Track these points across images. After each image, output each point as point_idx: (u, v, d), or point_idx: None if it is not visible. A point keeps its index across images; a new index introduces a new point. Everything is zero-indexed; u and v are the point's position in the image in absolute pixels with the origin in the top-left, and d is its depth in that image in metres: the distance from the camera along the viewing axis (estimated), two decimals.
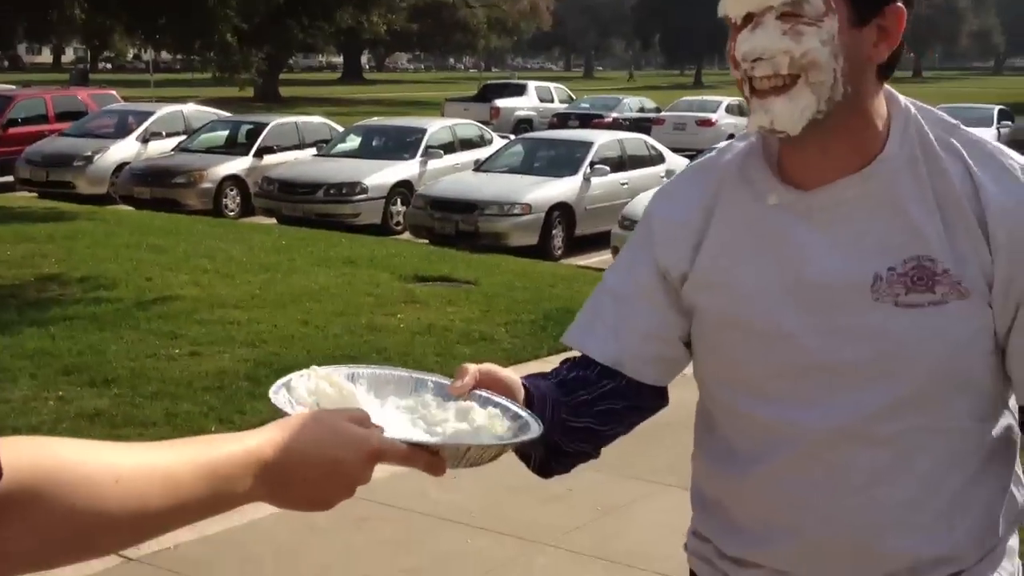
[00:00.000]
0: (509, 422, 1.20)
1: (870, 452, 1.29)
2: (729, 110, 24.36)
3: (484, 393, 1.25)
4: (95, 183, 15.50)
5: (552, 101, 29.32)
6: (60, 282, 8.07)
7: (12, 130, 17.22)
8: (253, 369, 5.90)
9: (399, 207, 13.63)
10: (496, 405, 1.22)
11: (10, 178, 16.19)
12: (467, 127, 16.43)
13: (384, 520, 4.08)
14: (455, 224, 11.80)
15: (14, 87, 22.73)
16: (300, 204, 13.39)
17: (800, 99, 1.24)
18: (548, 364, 6.27)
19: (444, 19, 50.83)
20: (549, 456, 1.40)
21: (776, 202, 1.32)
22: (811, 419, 1.29)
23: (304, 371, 1.16)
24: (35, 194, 15.48)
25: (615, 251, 10.78)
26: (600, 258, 11.29)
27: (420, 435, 1.13)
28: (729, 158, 1.40)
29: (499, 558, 3.85)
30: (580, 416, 1.39)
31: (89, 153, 15.73)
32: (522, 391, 1.32)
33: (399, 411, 1.18)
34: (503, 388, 1.28)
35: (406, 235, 12.73)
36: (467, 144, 15.43)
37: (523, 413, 1.23)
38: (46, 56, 77.67)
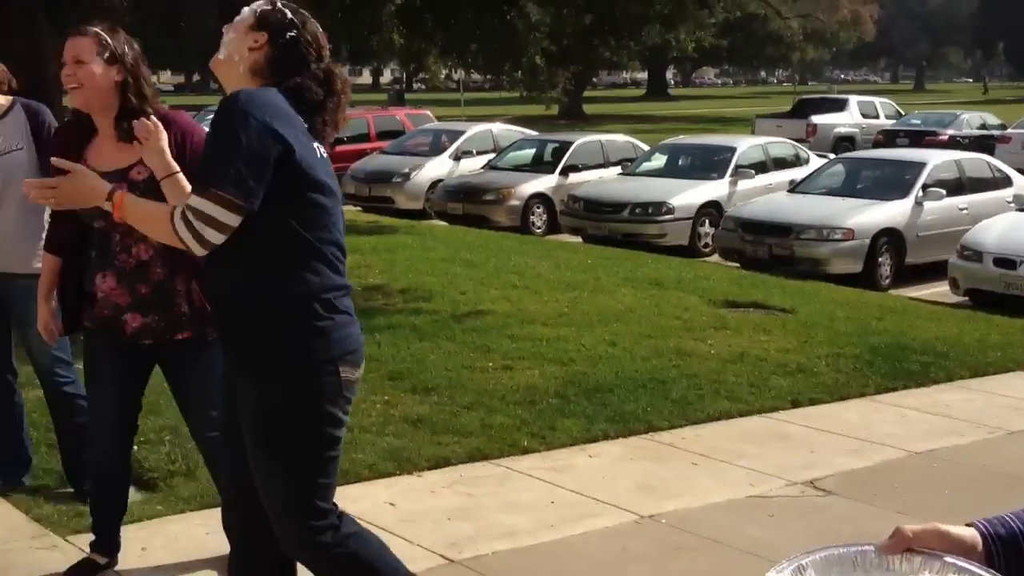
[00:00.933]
0: None
1: None
2: None
3: (929, 551, 1.16)
4: (412, 198, 16.73)
5: (877, 117, 28.18)
6: (384, 292, 8.81)
7: (339, 148, 18.86)
8: (562, 387, 6.17)
9: (707, 228, 13.67)
10: (948, 567, 1.14)
11: None
12: (780, 145, 16.20)
13: (698, 551, 4.16)
14: (768, 248, 11.69)
15: None
16: (605, 223, 13.75)
17: None
18: (876, 403, 6.15)
19: (755, 32, 50.15)
20: None
21: None
22: None
23: None
24: (359, 208, 16.90)
25: (953, 283, 10.27)
26: (935, 290, 10.77)
27: None
28: None
29: None
30: None
31: (407, 170, 16.99)
32: (978, 544, 1.17)
33: None
34: (950, 545, 1.16)
35: (714, 257, 12.74)
36: (780, 163, 15.22)
37: (981, 571, 1.12)
38: (366, 77, 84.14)
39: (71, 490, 4.47)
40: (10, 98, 4.34)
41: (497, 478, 4.84)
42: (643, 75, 77.85)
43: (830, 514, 4.39)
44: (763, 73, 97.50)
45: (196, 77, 78.45)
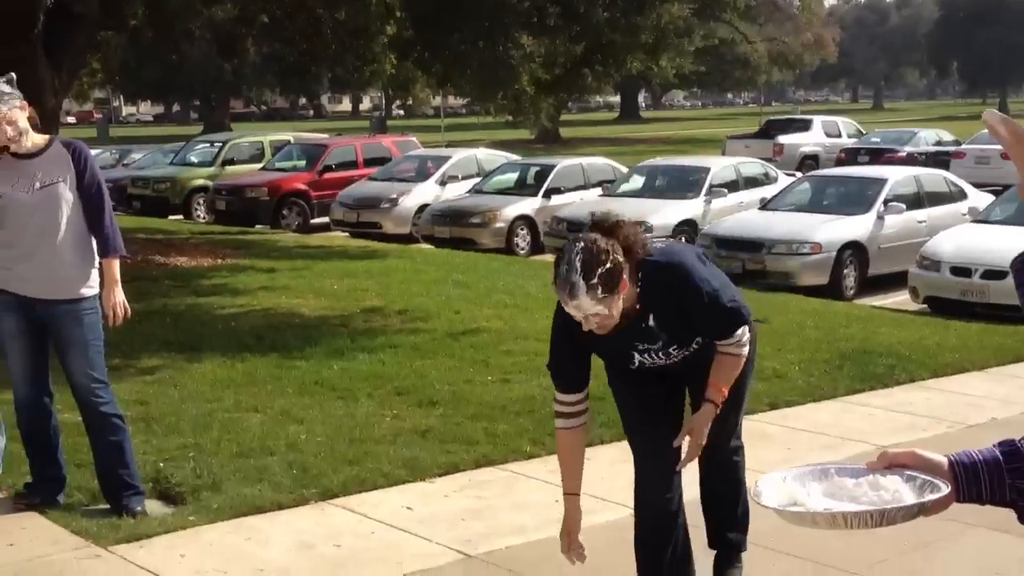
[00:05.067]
0: (910, 485, 1.43)
1: None
2: None
3: (900, 467, 1.48)
4: (399, 223, 16.94)
5: (839, 136, 28.66)
6: (382, 314, 9.03)
7: (327, 175, 19.09)
8: None
9: None
10: (901, 474, 1.45)
11: (326, 219, 17.99)
12: (751, 165, 16.56)
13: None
14: (742, 263, 11.96)
15: (327, 136, 25.12)
16: None
17: None
18: (846, 403, 6.43)
19: (724, 56, 50.79)
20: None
21: None
22: None
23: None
24: (347, 234, 17.10)
25: (913, 292, 10.60)
26: (897, 299, 11.09)
27: (847, 507, 1.43)
28: None
29: None
30: None
31: (394, 196, 17.21)
32: (944, 464, 1.48)
33: (824, 496, 1.47)
34: (921, 464, 1.47)
35: None
36: (751, 182, 15.57)
37: (930, 478, 1.43)
38: (345, 105, 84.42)
39: (106, 506, 4.63)
40: (47, 136, 4.56)
41: (504, 482, 5.08)
42: (615, 98, 78.47)
43: None
44: (730, 95, 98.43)
45: (176, 107, 78.61)
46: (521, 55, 11.50)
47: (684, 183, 15.21)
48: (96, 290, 4.57)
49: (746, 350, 3.35)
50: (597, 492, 4.88)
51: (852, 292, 11.66)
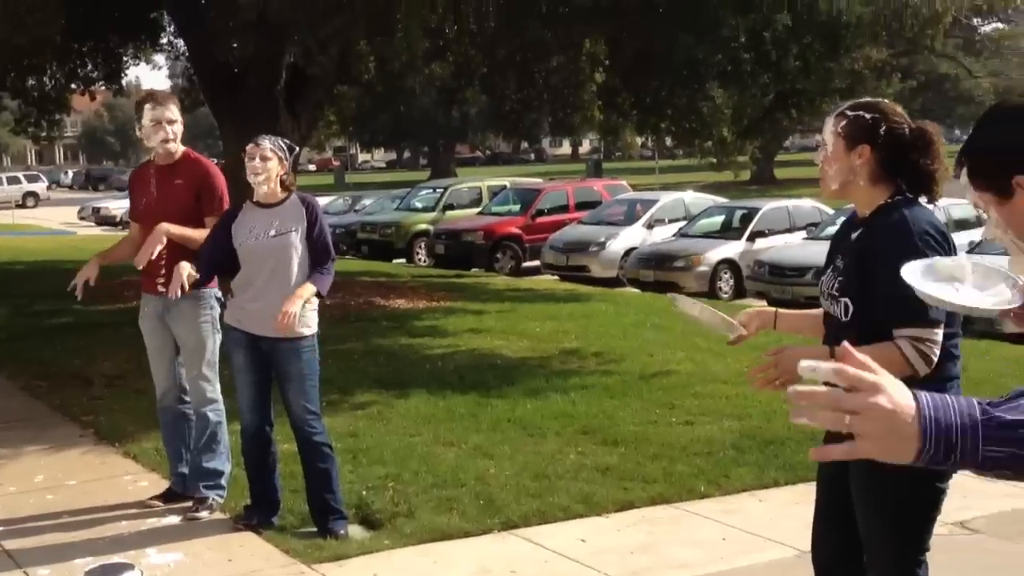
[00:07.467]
0: None
1: None
2: None
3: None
4: (606, 267, 17.21)
5: None
6: (578, 356, 9.29)
7: (539, 219, 19.65)
8: (738, 439, 6.46)
9: None
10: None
11: (537, 263, 18.51)
12: (965, 207, 15.79)
13: None
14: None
15: (541, 180, 25.82)
16: (789, 287, 13.80)
17: None
18: None
19: (946, 92, 48.45)
20: None
21: None
22: None
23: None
24: (556, 277, 17.53)
25: None
26: None
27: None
28: None
29: None
30: None
31: (602, 239, 17.52)
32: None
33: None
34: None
35: None
36: (962, 224, 14.86)
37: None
38: (565, 148, 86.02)
39: (313, 528, 5.02)
40: (287, 190, 5.06)
41: (675, 519, 5.20)
42: None
43: (975, 547, 4.53)
44: (957, 132, 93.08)
45: (406, 153, 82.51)
46: (712, 107, 11.70)
47: None
48: (314, 330, 4.99)
49: (921, 365, 2.74)
50: (763, 532, 4.93)
51: None
